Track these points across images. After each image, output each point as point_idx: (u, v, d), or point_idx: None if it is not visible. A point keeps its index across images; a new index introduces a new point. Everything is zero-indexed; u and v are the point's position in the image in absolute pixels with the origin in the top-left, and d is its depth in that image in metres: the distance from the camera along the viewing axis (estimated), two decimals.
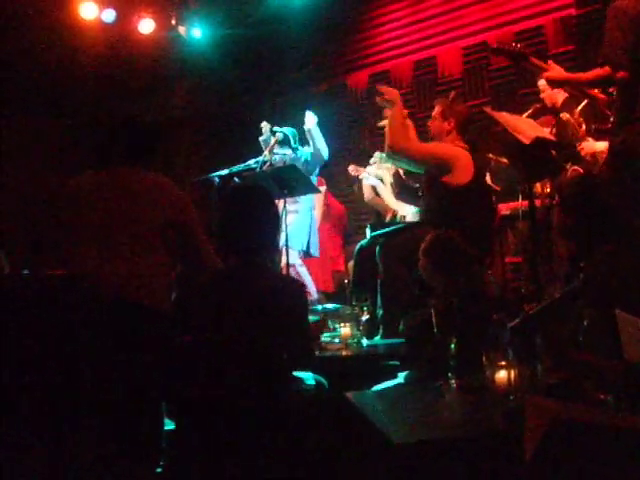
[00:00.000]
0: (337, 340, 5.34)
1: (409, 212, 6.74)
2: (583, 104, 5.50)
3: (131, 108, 10.11)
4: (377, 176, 7.41)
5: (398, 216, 7.12)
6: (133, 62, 9.72)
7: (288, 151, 7.17)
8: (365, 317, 5.35)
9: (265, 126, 7.46)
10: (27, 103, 9.05)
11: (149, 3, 9.37)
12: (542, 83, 6.27)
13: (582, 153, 5.37)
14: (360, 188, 8.33)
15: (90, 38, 9.02)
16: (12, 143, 9.04)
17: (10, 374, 3.21)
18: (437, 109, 5.21)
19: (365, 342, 5.16)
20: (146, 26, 9.34)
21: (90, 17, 8.94)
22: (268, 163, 6.91)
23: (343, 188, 9.89)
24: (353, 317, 5.34)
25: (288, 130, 7.26)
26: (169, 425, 3.45)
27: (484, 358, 3.05)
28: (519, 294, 5.78)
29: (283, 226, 6.31)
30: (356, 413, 2.82)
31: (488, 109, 5.87)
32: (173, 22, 9.49)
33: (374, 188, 7.59)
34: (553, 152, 5.23)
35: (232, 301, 3.15)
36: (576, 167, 5.36)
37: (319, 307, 6.92)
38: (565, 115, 5.83)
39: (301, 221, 7.29)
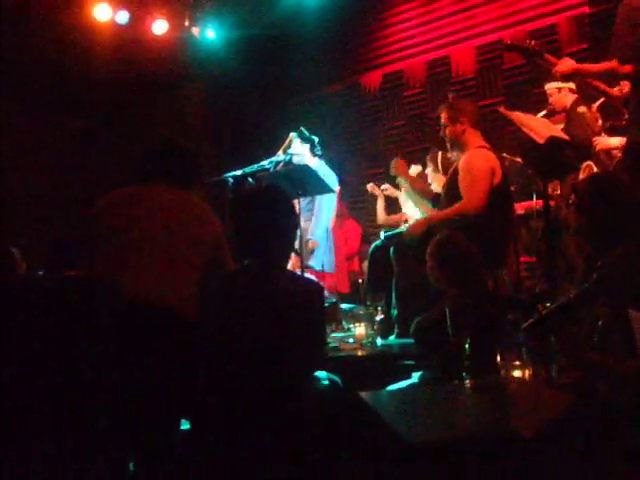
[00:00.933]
0: (351, 340, 5.36)
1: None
2: (601, 100, 5.48)
3: (144, 108, 10.16)
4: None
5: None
6: (147, 63, 9.74)
7: (307, 151, 7.16)
8: (379, 317, 5.36)
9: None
10: (41, 104, 9.09)
11: (162, 4, 9.40)
12: (549, 87, 6.26)
13: (596, 149, 5.36)
14: (373, 188, 8.33)
15: (104, 39, 9.06)
16: (27, 144, 9.07)
17: (28, 374, 3.23)
18: (443, 116, 5.18)
19: (379, 342, 5.17)
20: (159, 27, 9.37)
21: (104, 19, 8.99)
22: (282, 163, 6.92)
23: (356, 187, 9.90)
24: (367, 317, 5.35)
25: (310, 135, 7.25)
26: (185, 425, 3.47)
27: (498, 358, 3.06)
28: (533, 294, 5.76)
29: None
30: (370, 413, 2.82)
31: (502, 109, 5.86)
32: (186, 23, 9.52)
33: (386, 208, 7.56)
34: (567, 151, 5.22)
35: (250, 302, 3.16)
36: (590, 163, 5.35)
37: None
38: (582, 108, 5.81)
39: (319, 241, 7.29)
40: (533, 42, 4.58)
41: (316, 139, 7.20)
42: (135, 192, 3.67)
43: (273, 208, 3.32)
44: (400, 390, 3.97)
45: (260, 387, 3.00)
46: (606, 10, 7.36)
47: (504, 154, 6.22)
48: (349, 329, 5.96)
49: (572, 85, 5.89)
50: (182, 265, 3.44)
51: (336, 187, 7.15)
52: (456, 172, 4.97)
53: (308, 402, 3.20)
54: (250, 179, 6.96)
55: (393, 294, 5.27)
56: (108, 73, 9.49)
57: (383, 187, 7.45)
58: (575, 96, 6.08)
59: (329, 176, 6.87)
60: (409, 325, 4.89)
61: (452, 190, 4.98)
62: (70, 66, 9.10)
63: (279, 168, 6.78)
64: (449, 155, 5.85)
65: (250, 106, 10.15)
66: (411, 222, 5.74)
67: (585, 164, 5.39)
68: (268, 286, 3.21)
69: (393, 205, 7.75)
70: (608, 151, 5.34)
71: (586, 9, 7.91)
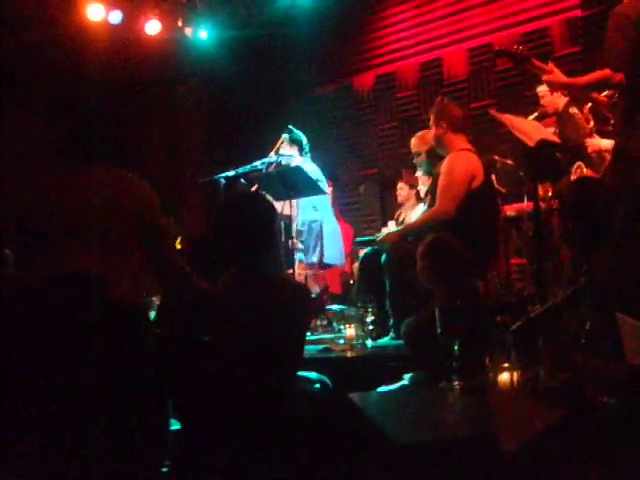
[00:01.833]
0: (342, 341, 5.36)
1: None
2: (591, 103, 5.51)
3: (138, 109, 10.16)
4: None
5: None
6: (139, 63, 9.73)
7: (296, 152, 7.16)
8: (370, 318, 5.37)
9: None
10: (33, 105, 9.08)
11: (155, 5, 9.38)
12: (541, 90, 6.29)
13: (588, 150, 5.38)
14: (365, 189, 8.38)
15: (96, 39, 9.04)
16: (18, 143, 9.06)
17: (19, 373, 3.24)
18: (431, 119, 5.21)
19: (370, 343, 5.18)
20: (153, 27, 9.35)
21: (97, 19, 8.96)
22: (275, 164, 6.92)
23: (349, 188, 9.92)
24: (358, 318, 5.36)
25: (299, 134, 7.24)
26: (175, 425, 3.47)
27: (487, 360, 3.07)
28: (522, 296, 5.79)
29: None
30: (360, 414, 2.84)
31: (493, 111, 5.89)
32: (179, 23, 9.50)
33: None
34: (558, 154, 5.24)
35: (237, 305, 3.18)
36: (580, 164, 5.37)
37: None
38: (573, 109, 5.84)
39: (330, 236, 7.29)
40: (521, 47, 4.60)
41: (304, 139, 7.19)
42: (63, 180, 3.70)
43: (252, 215, 3.36)
44: (390, 392, 3.98)
45: (247, 388, 3.01)
46: (598, 13, 7.40)
47: (495, 156, 6.24)
48: (340, 330, 5.97)
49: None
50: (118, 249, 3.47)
51: (328, 189, 7.16)
52: (438, 176, 5.00)
53: (297, 403, 3.22)
54: (242, 180, 6.97)
55: (387, 301, 5.27)
56: (100, 73, 9.45)
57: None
58: (567, 98, 6.11)
59: (319, 176, 6.89)
60: (402, 329, 4.92)
61: (434, 193, 5.03)
62: (62, 66, 9.08)
63: (271, 169, 6.79)
64: (415, 161, 5.90)
65: (242, 106, 10.15)
66: (384, 232, 5.74)
67: (576, 165, 5.42)
68: (253, 291, 3.23)
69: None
70: (599, 152, 5.37)
71: (578, 12, 7.94)
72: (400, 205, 7.63)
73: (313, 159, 7.28)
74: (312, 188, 6.40)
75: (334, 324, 6.32)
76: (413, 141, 5.91)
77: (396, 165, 8.86)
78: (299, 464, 2.92)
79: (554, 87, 4.56)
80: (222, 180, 7.04)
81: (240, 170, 6.96)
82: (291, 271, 6.75)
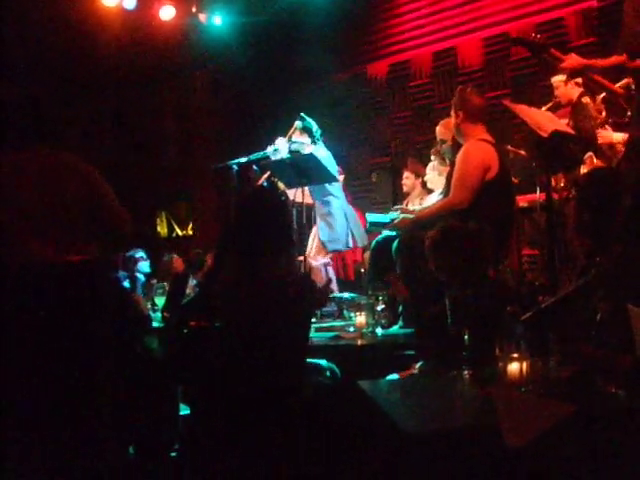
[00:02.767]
0: (352, 329, 5.38)
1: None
2: (604, 94, 5.48)
3: (151, 94, 10.18)
4: None
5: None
6: (153, 49, 9.74)
7: (307, 140, 7.15)
8: (381, 307, 5.38)
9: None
10: (47, 90, 9.10)
11: None
12: (556, 80, 6.26)
13: (599, 142, 5.35)
14: (377, 178, 8.36)
15: (110, 25, 9.05)
16: None
17: (27, 360, 3.26)
18: (452, 107, 5.19)
19: (380, 332, 5.19)
20: (167, 13, 9.36)
21: (111, 3, 8.97)
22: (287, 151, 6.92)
23: (361, 177, 9.91)
24: (369, 307, 5.36)
25: (311, 122, 7.23)
26: (184, 410, 3.50)
27: (497, 350, 3.07)
28: (533, 286, 5.77)
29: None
30: (369, 402, 2.84)
31: (507, 101, 5.87)
32: (194, 9, 9.50)
33: None
34: (571, 145, 5.22)
35: (244, 294, 3.19)
36: (591, 154, 5.35)
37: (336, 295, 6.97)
38: (585, 99, 5.81)
39: (338, 222, 7.27)
40: (539, 36, 4.56)
41: (316, 126, 7.17)
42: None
43: (266, 210, 3.38)
44: (399, 380, 3.98)
45: (255, 374, 3.03)
46: (614, 4, 7.35)
47: (508, 147, 6.22)
48: (350, 318, 5.98)
49: (578, 79, 5.88)
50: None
51: (340, 177, 7.15)
52: (455, 164, 4.99)
53: (306, 390, 3.23)
54: (255, 166, 6.98)
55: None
56: (114, 58, 9.50)
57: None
58: (581, 89, 6.08)
59: (330, 161, 6.87)
60: (412, 317, 4.92)
61: (450, 182, 5.01)
62: (76, 51, 9.10)
63: (284, 156, 6.79)
64: (439, 148, 5.87)
65: (256, 93, 10.15)
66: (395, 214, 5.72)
67: (587, 155, 5.39)
68: (261, 282, 3.24)
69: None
70: (611, 144, 5.35)
71: (594, 3, 7.90)
72: (407, 194, 7.62)
73: (326, 146, 7.27)
74: (324, 175, 6.40)
75: (344, 312, 6.33)
76: (438, 129, 5.90)
77: (409, 154, 8.85)
78: (307, 450, 2.93)
79: (572, 71, 4.52)
80: (235, 166, 7.05)
81: (252, 157, 6.98)
82: (301, 258, 6.78)
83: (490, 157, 4.88)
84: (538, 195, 5.82)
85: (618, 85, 4.63)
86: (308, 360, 3.76)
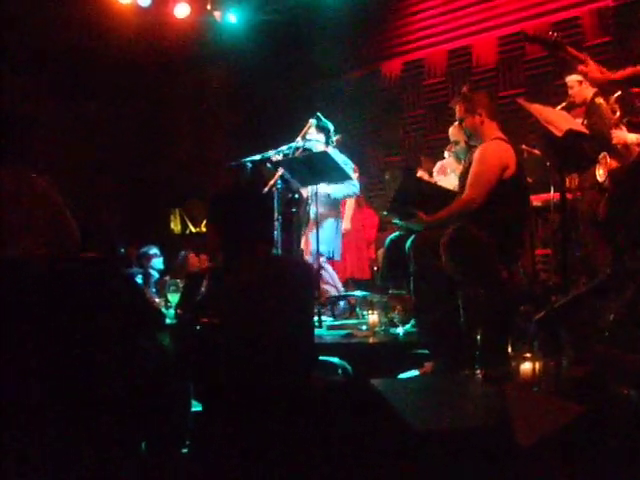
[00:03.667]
0: (364, 327, 5.38)
1: None
2: (618, 93, 5.46)
3: (165, 91, 10.20)
4: None
5: None
6: (168, 46, 9.77)
7: (322, 139, 7.14)
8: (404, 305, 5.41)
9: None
10: (62, 86, 9.14)
11: None
12: (570, 79, 6.24)
13: (613, 141, 5.33)
14: (391, 176, 8.35)
15: (125, 22, 9.08)
16: (46, 124, 9.14)
17: (37, 357, 3.27)
18: (459, 109, 5.13)
19: (392, 330, 5.20)
20: (181, 10, 9.37)
21: (126, 1, 9.00)
22: (301, 149, 6.91)
23: (374, 175, 9.91)
24: (382, 305, 5.37)
25: (328, 123, 7.21)
26: (196, 407, 3.50)
27: (509, 349, 3.07)
28: (547, 286, 5.76)
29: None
30: (380, 400, 2.85)
31: (521, 100, 5.84)
32: (208, 7, 9.51)
33: None
34: (585, 145, 5.20)
35: (238, 287, 3.20)
36: (605, 154, 5.33)
37: (342, 292, 6.98)
38: (599, 99, 5.79)
39: (331, 229, 7.27)
40: (555, 34, 4.54)
41: (332, 128, 7.17)
42: None
43: (243, 204, 3.39)
44: (411, 378, 3.99)
45: (264, 369, 3.03)
46: (630, 3, 7.33)
47: (523, 146, 6.20)
48: (363, 316, 5.99)
49: None
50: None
51: (354, 175, 7.15)
52: (471, 163, 4.96)
53: (318, 387, 3.23)
54: (268, 164, 6.98)
55: (412, 287, 5.26)
56: (129, 55, 9.52)
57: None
58: (595, 89, 6.06)
59: (345, 163, 6.87)
60: (426, 317, 4.92)
61: (465, 181, 4.99)
62: (91, 48, 9.14)
63: (298, 154, 6.78)
64: (452, 149, 5.84)
65: (270, 91, 10.16)
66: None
67: (601, 155, 5.37)
68: (252, 272, 3.25)
69: None
70: (625, 145, 5.33)
71: (610, 2, 7.87)
72: None
73: (339, 147, 7.27)
74: (338, 173, 6.39)
75: (357, 310, 6.34)
76: (451, 130, 5.88)
77: (422, 152, 8.85)
78: (318, 448, 2.93)
79: (589, 80, 4.50)
80: (248, 164, 7.06)
81: (266, 154, 6.98)
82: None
83: (508, 156, 4.86)
84: (552, 195, 5.81)
85: None
86: (320, 358, 3.77)
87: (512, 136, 5.28)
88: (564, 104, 6.24)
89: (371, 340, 5.05)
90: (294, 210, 7.13)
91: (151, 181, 10.29)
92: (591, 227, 5.58)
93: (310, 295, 3.45)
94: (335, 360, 3.88)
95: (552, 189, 5.78)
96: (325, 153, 6.38)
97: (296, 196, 7.14)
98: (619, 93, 5.42)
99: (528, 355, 3.03)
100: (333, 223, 7.24)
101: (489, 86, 8.70)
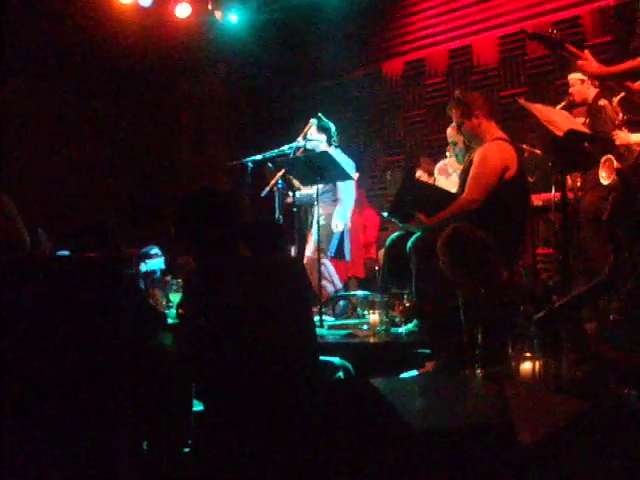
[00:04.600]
0: (365, 327, 5.39)
1: None
2: (622, 94, 5.46)
3: (166, 92, 10.21)
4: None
5: None
6: (169, 46, 9.77)
7: (323, 139, 7.15)
8: (407, 304, 5.41)
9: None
10: (63, 86, 9.16)
11: None
12: (572, 78, 6.24)
13: (616, 142, 5.33)
14: (392, 176, 8.35)
15: (126, 22, 9.08)
16: (49, 125, 9.15)
17: (39, 356, 3.28)
18: (455, 114, 5.13)
19: (393, 330, 5.20)
20: (182, 10, 9.36)
21: (127, 1, 8.99)
22: (302, 149, 6.93)
23: (375, 175, 9.91)
24: (382, 304, 5.38)
25: (329, 123, 7.21)
26: (198, 406, 3.51)
27: (510, 349, 3.08)
28: (547, 286, 5.77)
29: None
30: (381, 400, 2.85)
31: (522, 100, 5.85)
32: (209, 7, 9.50)
33: None
34: (587, 144, 5.20)
35: (232, 291, 3.20)
36: (610, 156, 5.33)
37: (343, 292, 6.98)
38: (603, 101, 5.79)
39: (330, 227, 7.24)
40: (556, 32, 4.55)
41: (333, 128, 7.17)
42: None
43: (208, 210, 3.37)
44: (412, 378, 3.99)
45: (269, 370, 3.04)
46: (630, 2, 7.32)
47: (524, 146, 6.21)
48: (364, 316, 5.99)
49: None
50: None
51: (355, 174, 7.15)
52: (471, 164, 4.97)
53: (319, 386, 3.24)
54: (270, 164, 6.99)
55: (413, 287, 5.27)
56: (130, 55, 9.53)
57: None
58: (597, 90, 6.06)
59: (347, 163, 6.87)
60: (428, 316, 4.92)
61: (465, 181, 4.99)
62: (92, 48, 9.15)
63: (299, 154, 6.80)
64: (451, 151, 5.84)
65: (272, 91, 10.16)
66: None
67: (605, 157, 5.37)
68: (241, 273, 3.24)
69: None
70: (628, 146, 5.33)
71: (611, 1, 7.85)
72: None
73: (341, 147, 7.27)
74: (339, 173, 6.40)
75: (358, 309, 6.34)
76: (449, 131, 5.88)
77: (422, 152, 8.86)
78: (319, 447, 2.94)
79: (587, 75, 4.51)
80: (250, 164, 7.07)
81: (267, 154, 6.99)
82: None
83: (510, 156, 4.87)
84: (553, 194, 5.81)
85: (638, 84, 4.61)
86: (322, 358, 3.77)
87: (513, 136, 5.30)
88: (564, 103, 6.24)
89: (372, 340, 5.06)
90: (295, 210, 7.12)
91: (152, 181, 10.29)
92: (592, 227, 5.58)
93: (303, 292, 3.43)
94: (336, 360, 3.89)
95: (553, 189, 5.79)
96: (326, 153, 6.39)
97: (297, 196, 7.15)
98: (622, 95, 5.42)
99: (528, 355, 3.04)
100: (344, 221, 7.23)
101: (490, 86, 8.71)
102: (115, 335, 3.34)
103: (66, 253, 4.50)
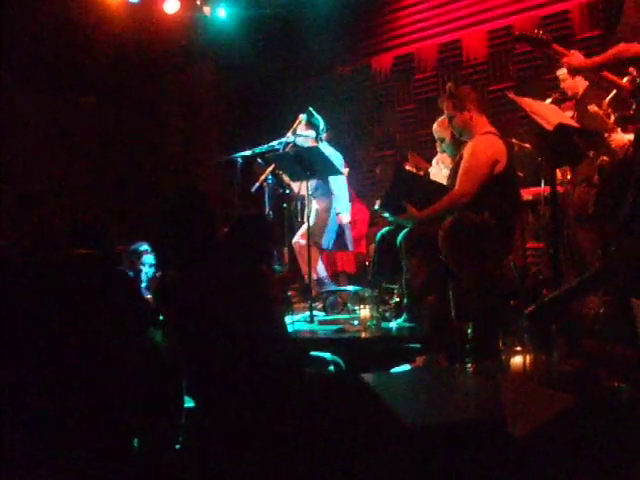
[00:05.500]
0: (356, 322, 5.39)
1: None
2: (612, 94, 5.46)
3: (155, 87, 10.17)
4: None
5: None
6: (157, 42, 9.74)
7: (313, 134, 7.14)
8: (395, 299, 5.41)
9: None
10: (51, 82, 9.11)
11: None
12: (562, 72, 6.25)
13: (612, 145, 5.33)
14: (382, 171, 8.34)
15: (115, 17, 9.05)
16: (35, 120, 9.11)
17: (30, 352, 3.27)
18: (447, 106, 5.13)
19: (384, 324, 5.21)
20: (171, 6, 9.33)
21: None
22: (291, 144, 6.92)
23: (365, 170, 9.91)
24: (373, 299, 5.38)
25: (319, 119, 7.20)
26: (189, 403, 3.51)
27: (500, 343, 3.08)
28: (537, 280, 5.77)
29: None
30: (372, 395, 2.85)
31: (511, 94, 5.83)
32: (198, 2, 9.48)
33: None
34: (577, 138, 5.21)
35: (193, 294, 3.20)
36: (605, 158, 5.33)
37: (333, 287, 6.98)
38: (593, 107, 5.79)
39: (330, 220, 7.23)
40: (542, 32, 4.55)
41: (322, 124, 7.16)
42: None
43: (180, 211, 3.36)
44: (402, 373, 4.00)
45: (256, 368, 3.04)
46: None
47: (513, 140, 6.21)
48: (354, 311, 5.99)
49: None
50: None
51: (345, 169, 7.14)
52: (462, 158, 4.97)
53: (310, 382, 3.24)
54: (259, 159, 6.98)
55: (403, 281, 5.28)
56: (119, 51, 9.49)
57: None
58: (587, 83, 6.06)
59: (336, 158, 6.87)
60: (418, 311, 4.93)
61: (456, 176, 4.99)
62: (81, 43, 9.11)
63: (288, 149, 6.79)
64: (439, 147, 5.84)
65: (260, 86, 10.14)
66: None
67: (600, 159, 5.38)
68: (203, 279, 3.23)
69: None
70: (624, 147, 5.33)
71: None
72: None
73: (330, 142, 7.27)
74: (329, 168, 6.40)
75: (348, 305, 6.34)
76: (435, 127, 5.88)
77: (410, 148, 8.85)
78: (310, 443, 2.94)
79: (573, 70, 4.52)
80: (239, 160, 7.06)
81: (257, 150, 6.98)
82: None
83: (499, 150, 4.87)
84: (543, 188, 5.82)
85: (625, 80, 4.61)
86: (312, 353, 3.77)
87: (502, 130, 5.29)
88: (555, 96, 6.25)
89: (363, 335, 5.05)
90: (285, 205, 7.11)
91: (141, 177, 10.26)
92: (581, 221, 5.59)
93: (263, 293, 3.42)
94: (327, 355, 3.89)
95: (543, 183, 5.79)
96: (315, 148, 6.39)
97: (287, 191, 7.14)
98: (611, 95, 5.42)
99: (519, 349, 3.04)
100: (332, 215, 7.22)
101: (479, 80, 8.71)
102: (105, 331, 3.33)
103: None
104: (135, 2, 9.09)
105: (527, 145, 6.28)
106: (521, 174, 6.03)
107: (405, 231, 5.07)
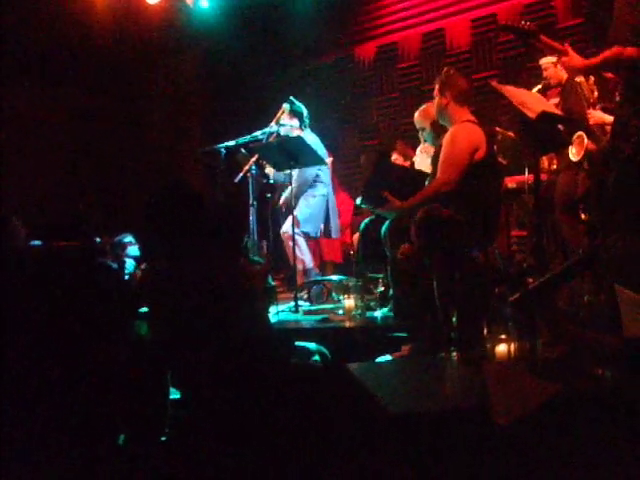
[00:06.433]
0: (341, 312, 5.39)
1: None
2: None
3: (139, 78, 10.13)
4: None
5: None
6: (140, 32, 9.68)
7: (296, 123, 7.12)
8: (380, 289, 5.41)
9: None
10: (34, 72, 9.06)
11: None
12: (544, 62, 6.25)
13: (590, 122, 5.34)
14: (365, 160, 8.33)
15: (97, 8, 8.99)
16: (23, 113, 9.06)
17: (24, 344, 3.25)
18: (436, 86, 5.16)
19: (369, 314, 5.21)
20: None
21: None
22: (275, 134, 6.90)
23: (349, 159, 9.90)
24: (357, 289, 5.38)
25: (301, 107, 7.18)
26: (174, 394, 3.50)
27: (485, 331, 3.09)
28: (522, 268, 5.79)
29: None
30: (357, 384, 2.85)
31: (494, 82, 5.84)
32: None
33: None
34: (559, 126, 5.21)
35: (180, 288, 3.19)
36: (581, 133, 5.33)
37: (318, 277, 6.97)
38: (580, 77, 5.79)
39: (318, 207, 7.20)
40: (529, 23, 4.53)
41: (305, 112, 7.14)
42: None
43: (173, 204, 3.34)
44: (387, 362, 4.00)
45: (242, 358, 3.03)
46: None
47: (496, 128, 6.21)
48: (339, 301, 6.00)
49: None
50: None
51: (328, 159, 7.12)
52: (442, 147, 4.97)
53: (295, 371, 3.24)
54: (243, 150, 6.96)
55: (388, 271, 5.28)
56: (101, 41, 9.43)
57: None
58: None
59: (319, 146, 6.85)
60: (403, 301, 4.93)
61: (437, 165, 4.99)
62: (63, 34, 9.04)
63: (272, 139, 6.77)
64: (420, 136, 5.85)
65: (243, 76, 10.10)
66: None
67: (576, 135, 5.38)
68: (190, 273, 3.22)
69: None
70: (602, 125, 5.34)
71: None
72: None
73: (312, 129, 7.24)
74: (312, 158, 6.38)
75: (333, 294, 6.34)
76: (416, 117, 5.87)
77: (397, 136, 8.84)
78: (296, 433, 2.94)
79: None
80: (222, 150, 7.04)
81: (240, 140, 6.96)
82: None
83: (478, 138, 4.86)
84: (527, 176, 5.83)
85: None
86: (297, 343, 3.77)
87: (485, 118, 5.30)
88: (539, 86, 6.25)
89: (348, 324, 5.06)
90: (269, 196, 7.10)
91: (125, 168, 10.22)
92: (566, 207, 5.60)
93: (251, 289, 3.41)
94: (312, 345, 3.89)
95: (527, 171, 5.80)
96: (299, 138, 6.38)
97: (270, 181, 7.13)
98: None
99: (504, 336, 3.05)
100: (319, 202, 7.18)
101: (463, 68, 8.67)
102: (89, 323, 3.32)
103: (38, 243, 4.48)
104: None
105: (511, 133, 6.28)
106: (505, 162, 6.04)
107: (389, 221, 5.06)
